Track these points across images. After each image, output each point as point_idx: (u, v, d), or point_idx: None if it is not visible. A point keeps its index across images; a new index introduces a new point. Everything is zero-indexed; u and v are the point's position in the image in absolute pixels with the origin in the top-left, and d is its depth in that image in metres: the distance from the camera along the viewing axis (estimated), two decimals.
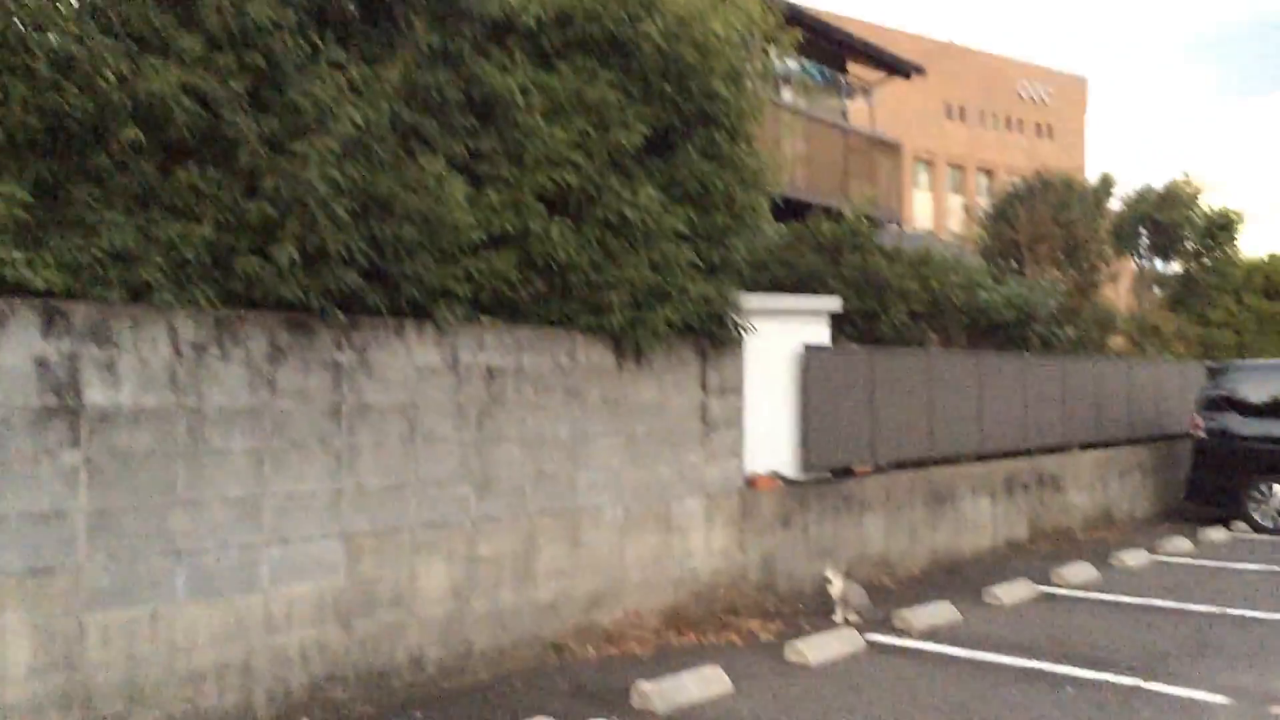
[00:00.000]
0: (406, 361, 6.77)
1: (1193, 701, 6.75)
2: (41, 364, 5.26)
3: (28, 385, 5.21)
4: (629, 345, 8.12)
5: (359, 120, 6.02)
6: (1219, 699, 6.78)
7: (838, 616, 8.75)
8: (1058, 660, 7.66)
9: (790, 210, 13.21)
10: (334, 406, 6.40)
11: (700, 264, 8.35)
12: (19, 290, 5.24)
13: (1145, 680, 7.17)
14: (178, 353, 5.73)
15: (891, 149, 17.78)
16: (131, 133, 5.50)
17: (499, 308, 7.41)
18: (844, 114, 19.00)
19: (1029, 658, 7.72)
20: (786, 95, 16.58)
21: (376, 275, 6.57)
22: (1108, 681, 7.15)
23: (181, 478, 5.71)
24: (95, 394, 5.42)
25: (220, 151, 5.92)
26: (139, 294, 5.60)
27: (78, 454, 5.35)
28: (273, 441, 6.10)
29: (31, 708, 5.18)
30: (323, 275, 6.08)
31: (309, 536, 6.25)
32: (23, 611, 5.16)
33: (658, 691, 6.50)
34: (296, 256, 5.88)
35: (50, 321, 5.29)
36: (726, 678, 6.91)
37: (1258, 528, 14.19)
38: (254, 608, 6.00)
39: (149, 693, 5.58)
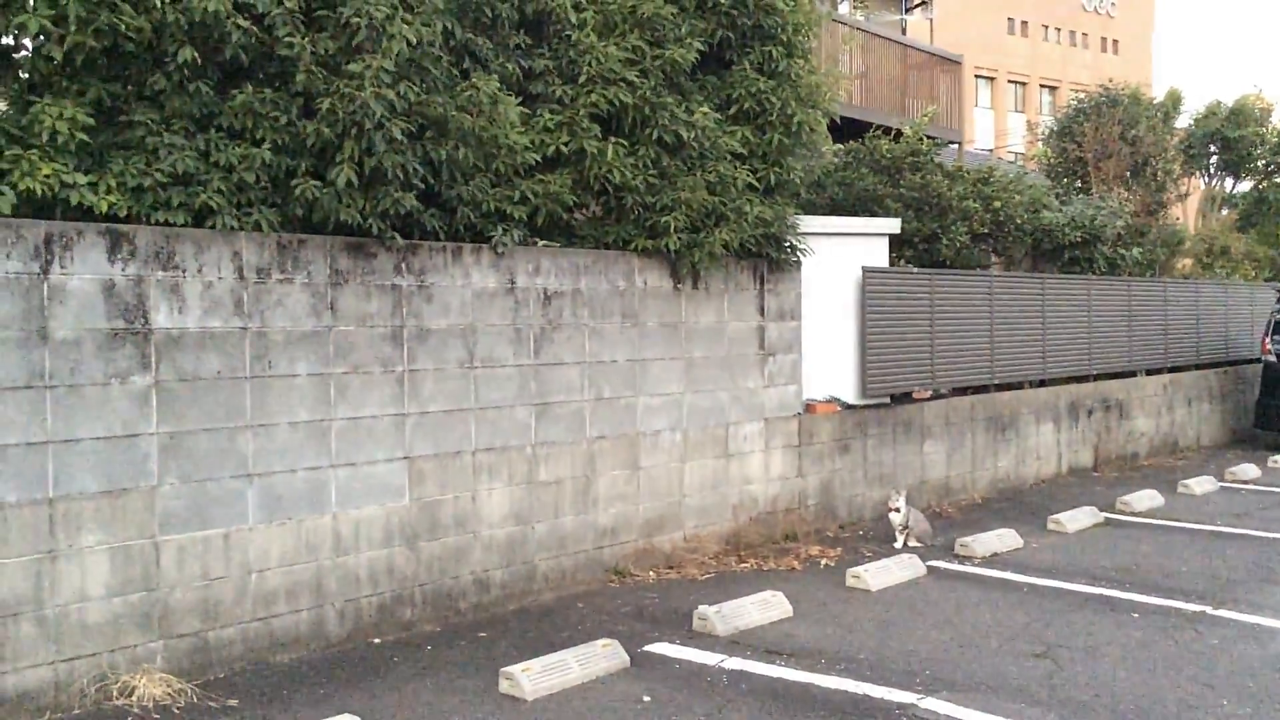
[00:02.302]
0: (464, 285, 6.75)
1: (1261, 627, 6.65)
2: (109, 288, 5.29)
3: (96, 309, 5.25)
4: (686, 268, 8.03)
5: (412, 38, 5.93)
6: None
7: (899, 543, 8.71)
8: (1122, 587, 7.57)
9: (847, 129, 12.96)
10: (394, 331, 6.40)
11: (757, 185, 8.22)
12: (83, 213, 5.26)
13: (1213, 607, 7.07)
14: (241, 277, 5.74)
15: (951, 65, 17.30)
16: (188, 53, 5.46)
17: (554, 231, 7.35)
18: (903, 29, 18.52)
19: (1093, 584, 7.65)
20: (843, 8, 16.17)
21: (433, 198, 6.54)
22: (1174, 608, 7.06)
23: (249, 401, 5.76)
24: (162, 317, 5.45)
25: (276, 72, 5.88)
26: (200, 217, 5.61)
27: (148, 377, 5.40)
28: (336, 365, 6.12)
29: (111, 627, 5.30)
30: (380, 198, 6.04)
31: (373, 459, 6.30)
32: (100, 533, 5.26)
33: (719, 615, 6.52)
34: (354, 179, 5.84)
35: (116, 245, 5.32)
36: (787, 602, 6.92)
37: None
38: (323, 529, 6.08)
39: (224, 612, 5.69)
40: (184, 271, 5.54)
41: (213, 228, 5.62)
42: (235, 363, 5.72)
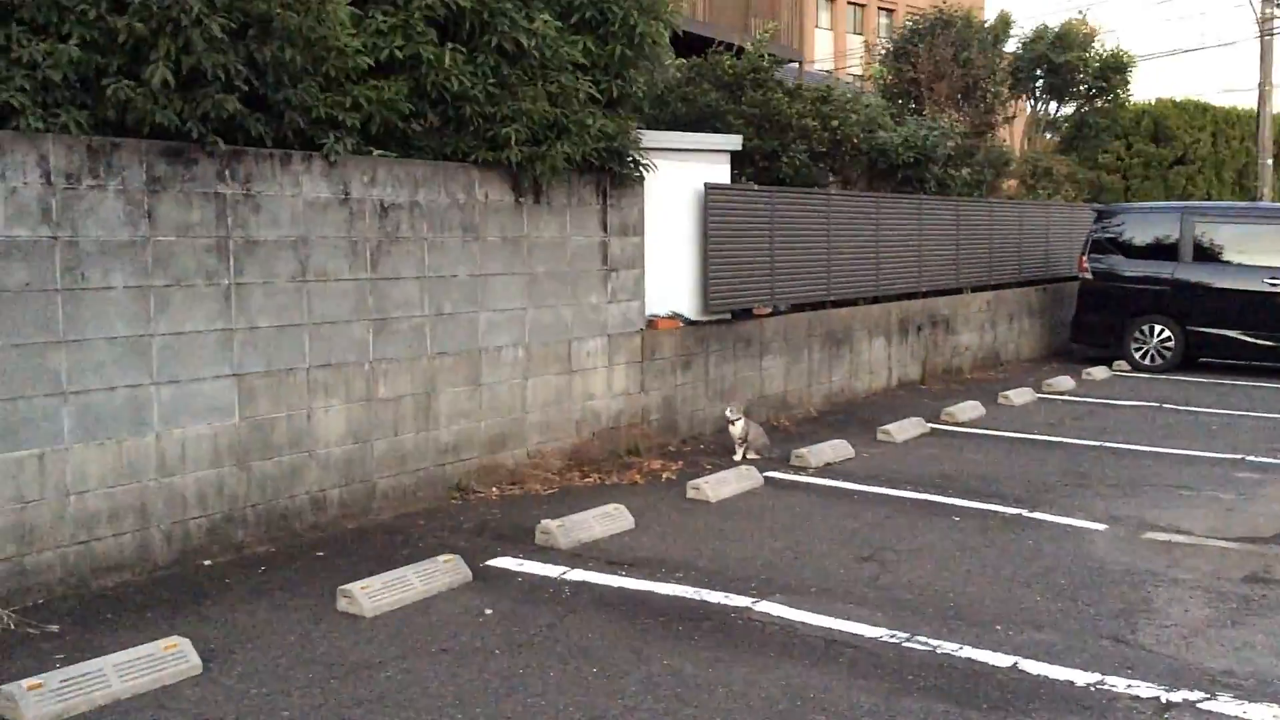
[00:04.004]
0: (295, 195, 6.48)
1: (1072, 528, 7.07)
2: None
3: None
4: (527, 182, 7.90)
5: None
6: (1097, 525, 7.12)
7: (738, 455, 8.90)
8: (945, 492, 7.93)
9: (690, 45, 12.90)
10: (219, 242, 6.11)
11: (599, 97, 8.10)
12: None
13: (1028, 510, 7.47)
14: (49, 182, 5.36)
15: None
16: None
17: (390, 140, 7.10)
18: None
19: (919, 490, 7.98)
20: None
21: (258, 102, 6.21)
22: (993, 511, 7.44)
23: (61, 316, 5.43)
24: None
25: None
26: (3, 119, 5.20)
27: None
28: (156, 279, 5.81)
29: None
30: (200, 100, 5.71)
31: (199, 377, 6.04)
32: None
33: (561, 528, 6.55)
34: (170, 79, 5.50)
35: None
36: (629, 515, 7.00)
37: (1138, 366, 14.78)
38: (146, 449, 5.82)
39: (41, 535, 5.41)
40: None
41: (16, 129, 5.22)
42: (45, 274, 5.36)
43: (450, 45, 7.06)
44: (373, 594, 5.39)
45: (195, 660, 4.63)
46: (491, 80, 7.38)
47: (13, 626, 5.03)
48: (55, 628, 5.08)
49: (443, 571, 5.77)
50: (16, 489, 5.31)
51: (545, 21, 7.54)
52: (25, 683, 4.23)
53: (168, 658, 4.57)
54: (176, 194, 5.89)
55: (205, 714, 4.26)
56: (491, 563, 6.13)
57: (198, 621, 5.18)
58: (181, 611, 5.33)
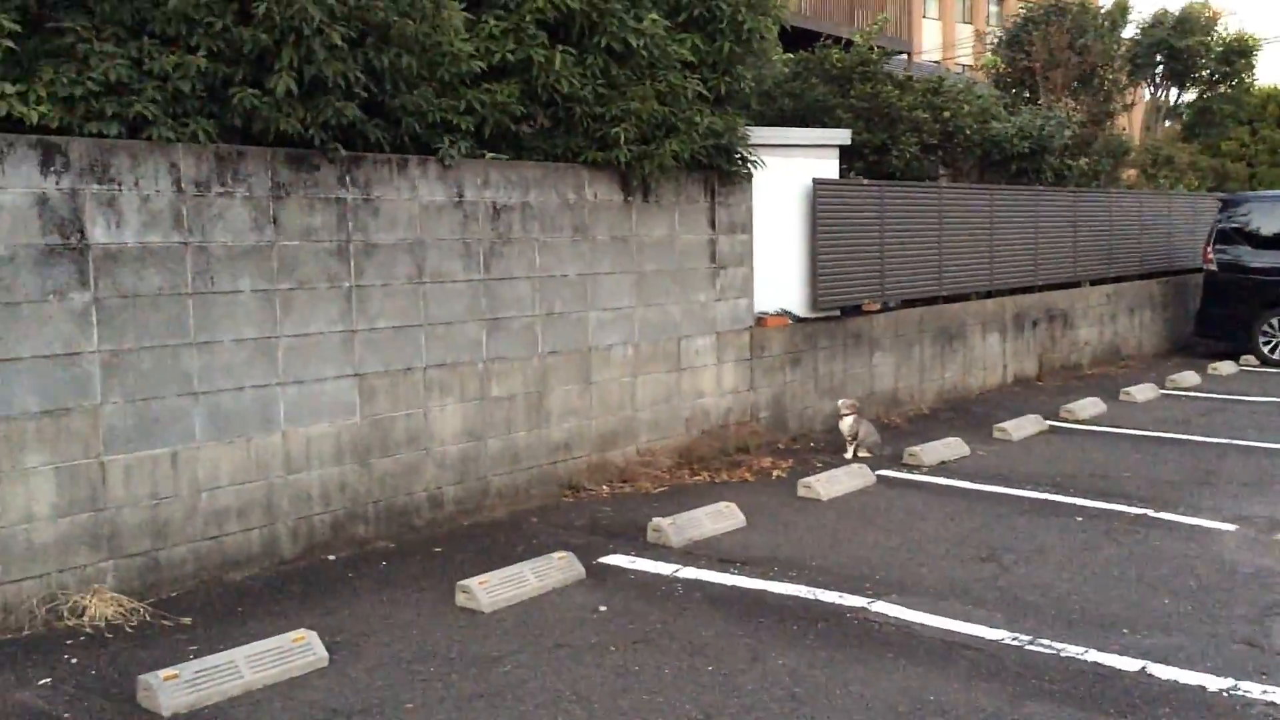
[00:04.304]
0: (411, 199, 6.62)
1: (1200, 528, 6.83)
2: (43, 201, 5.12)
3: (31, 223, 5.08)
4: (636, 180, 7.93)
5: None
6: (1226, 526, 6.87)
7: (849, 453, 8.80)
8: (1066, 492, 7.73)
9: (797, 39, 12.81)
10: (340, 245, 6.27)
11: (707, 95, 8.10)
12: (11, 125, 5.06)
13: (1154, 509, 7.24)
14: (180, 190, 5.58)
15: None
16: None
17: (502, 143, 7.21)
18: None
19: (1038, 489, 7.80)
20: None
21: (376, 108, 6.36)
22: (1117, 511, 7.23)
23: (192, 318, 5.64)
24: (99, 232, 5.29)
25: None
26: (136, 129, 5.42)
27: (87, 294, 5.26)
28: (281, 281, 6.00)
29: (60, 546, 5.22)
30: (321, 107, 5.87)
31: (322, 377, 6.21)
32: (44, 453, 5.15)
33: (673, 526, 6.57)
34: (294, 87, 5.66)
35: (49, 157, 5.13)
36: (740, 513, 6.98)
37: (1266, 361, 14.21)
38: (273, 447, 6.01)
39: (174, 531, 5.63)
40: (120, 185, 5.37)
41: (148, 139, 5.44)
42: (177, 279, 5.58)
43: (560, 47, 7.14)
44: (490, 589, 5.48)
45: (322, 652, 4.77)
46: (600, 80, 7.44)
47: (148, 619, 5.24)
48: (188, 620, 5.27)
49: (557, 568, 5.84)
50: (152, 486, 5.54)
51: (654, 20, 7.57)
52: (161, 673, 4.40)
53: (296, 650, 4.72)
54: (300, 199, 6.07)
55: (333, 705, 4.39)
56: (604, 560, 6.17)
57: (324, 615, 5.33)
58: (308, 604, 5.49)
